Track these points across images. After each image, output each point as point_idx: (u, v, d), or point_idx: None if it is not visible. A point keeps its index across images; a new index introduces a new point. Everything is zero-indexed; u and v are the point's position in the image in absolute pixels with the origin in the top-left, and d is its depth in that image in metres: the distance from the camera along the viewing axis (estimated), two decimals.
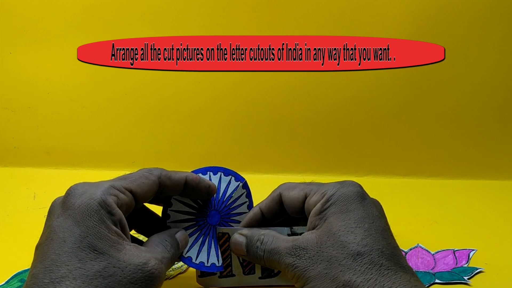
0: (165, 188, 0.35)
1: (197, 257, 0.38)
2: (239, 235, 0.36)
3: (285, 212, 0.37)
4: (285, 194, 0.36)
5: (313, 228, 0.33)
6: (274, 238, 0.34)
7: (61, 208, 0.30)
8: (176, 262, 0.42)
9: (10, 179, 0.62)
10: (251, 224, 0.38)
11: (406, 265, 0.30)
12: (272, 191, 0.38)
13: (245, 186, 0.40)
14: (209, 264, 0.38)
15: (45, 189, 0.59)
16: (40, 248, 0.29)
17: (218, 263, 0.38)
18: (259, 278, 0.38)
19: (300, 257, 0.31)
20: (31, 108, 0.62)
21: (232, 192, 0.40)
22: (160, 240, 0.33)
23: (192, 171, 0.39)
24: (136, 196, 0.33)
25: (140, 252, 0.30)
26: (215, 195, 0.39)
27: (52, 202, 0.32)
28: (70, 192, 0.30)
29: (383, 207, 0.35)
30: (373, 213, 0.32)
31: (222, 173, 0.39)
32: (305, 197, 0.35)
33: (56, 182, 0.61)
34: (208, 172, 0.39)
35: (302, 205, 0.35)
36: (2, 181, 0.61)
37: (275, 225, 0.37)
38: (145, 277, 0.29)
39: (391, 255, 0.30)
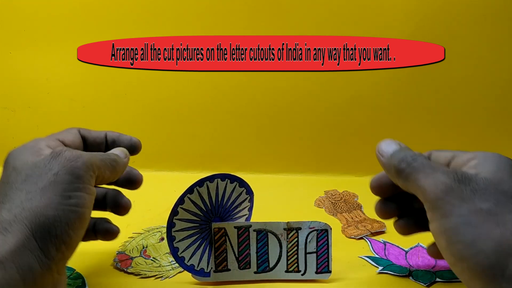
0: (88, 141, 0.38)
1: (189, 259, 0.38)
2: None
3: None
4: (434, 153, 0.36)
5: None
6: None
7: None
8: (173, 262, 0.42)
9: None
10: (385, 177, 0.37)
11: None
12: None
13: (251, 200, 0.42)
14: (198, 269, 0.39)
15: None
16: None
17: (207, 269, 0.39)
18: (255, 272, 0.39)
19: (461, 183, 0.27)
20: (31, 108, 0.62)
21: (236, 198, 0.41)
22: None
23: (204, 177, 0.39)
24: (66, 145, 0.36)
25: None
26: (219, 202, 0.40)
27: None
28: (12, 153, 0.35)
29: None
30: None
31: (228, 180, 0.40)
32: (453, 158, 0.34)
33: None
34: (226, 179, 0.40)
35: (447, 164, 0.34)
36: None
37: None
38: (55, 170, 0.30)
39: None
